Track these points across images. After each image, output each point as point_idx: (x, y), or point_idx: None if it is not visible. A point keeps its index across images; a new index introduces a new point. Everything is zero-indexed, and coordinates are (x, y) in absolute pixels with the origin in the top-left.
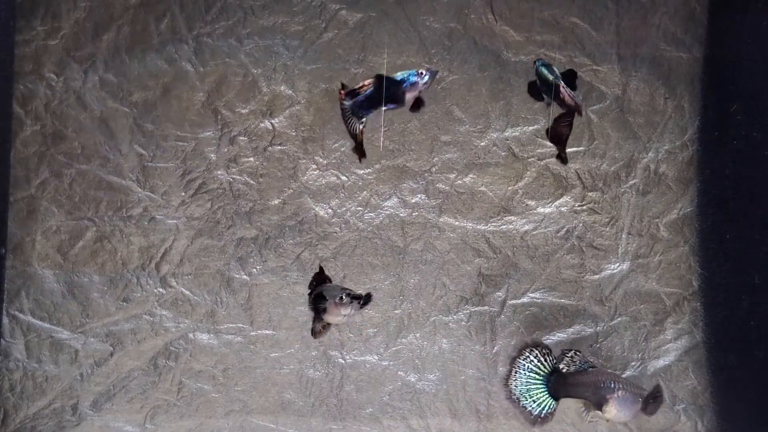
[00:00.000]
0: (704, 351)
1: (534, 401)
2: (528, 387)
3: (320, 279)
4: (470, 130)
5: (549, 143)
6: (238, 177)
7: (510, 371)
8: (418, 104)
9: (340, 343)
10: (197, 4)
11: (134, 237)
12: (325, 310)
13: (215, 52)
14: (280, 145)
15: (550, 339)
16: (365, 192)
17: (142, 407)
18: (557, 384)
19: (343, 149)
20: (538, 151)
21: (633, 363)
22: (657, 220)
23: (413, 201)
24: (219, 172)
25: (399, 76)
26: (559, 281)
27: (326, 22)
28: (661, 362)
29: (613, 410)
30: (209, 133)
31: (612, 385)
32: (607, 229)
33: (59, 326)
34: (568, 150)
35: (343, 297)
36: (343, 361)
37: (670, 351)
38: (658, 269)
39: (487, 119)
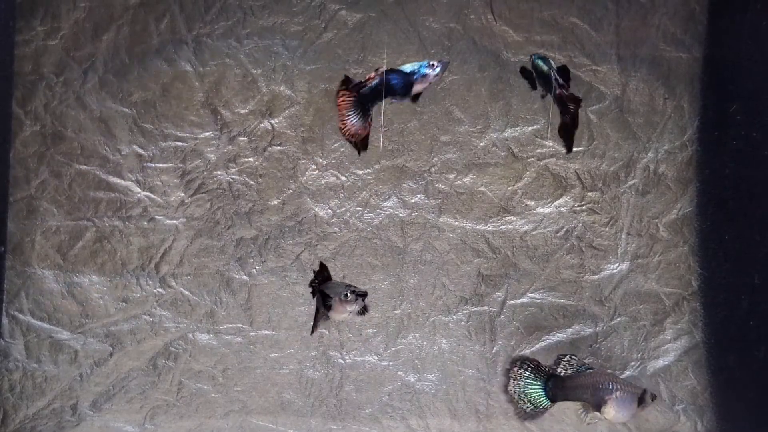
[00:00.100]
0: (704, 351)
1: (531, 403)
2: (526, 392)
3: (322, 276)
4: (470, 130)
5: (548, 143)
6: (238, 177)
7: (507, 381)
8: (417, 95)
9: (340, 343)
10: (197, 4)
11: (134, 237)
12: (330, 308)
13: (215, 52)
14: (279, 145)
15: (550, 339)
16: (365, 192)
17: (142, 407)
18: (555, 388)
19: (342, 149)
20: (538, 151)
21: (632, 363)
22: (656, 220)
23: (413, 201)
24: (218, 173)
25: (409, 67)
26: (558, 281)
27: (326, 22)
28: (660, 362)
29: (611, 411)
30: (209, 133)
31: (610, 386)
32: (607, 229)
33: (59, 326)
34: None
35: (348, 294)
36: (343, 362)
37: (670, 351)
38: (658, 269)
39: (486, 119)
